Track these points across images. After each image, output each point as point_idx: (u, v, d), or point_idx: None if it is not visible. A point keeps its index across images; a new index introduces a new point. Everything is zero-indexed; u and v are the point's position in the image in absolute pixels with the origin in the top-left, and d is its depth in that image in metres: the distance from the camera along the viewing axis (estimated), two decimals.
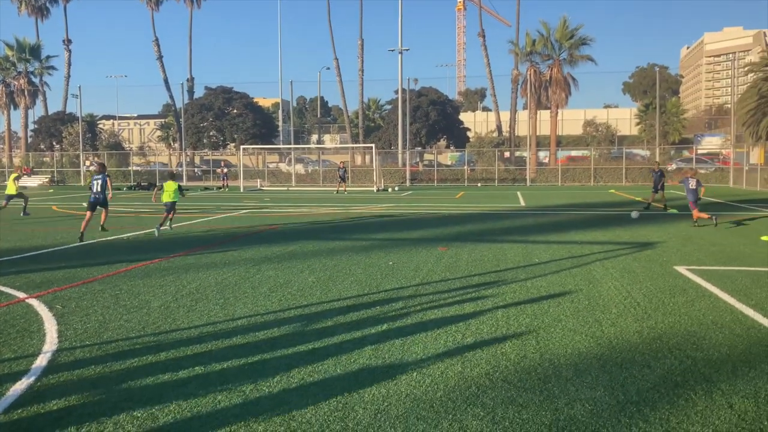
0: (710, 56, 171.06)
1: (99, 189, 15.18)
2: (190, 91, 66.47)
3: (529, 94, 50.04)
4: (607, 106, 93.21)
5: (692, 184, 16.25)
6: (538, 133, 52.97)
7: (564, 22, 48.61)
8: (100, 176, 15.41)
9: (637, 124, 63.97)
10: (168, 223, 15.95)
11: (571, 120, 71.36)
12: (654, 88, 57.81)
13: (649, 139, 54.34)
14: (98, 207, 15.24)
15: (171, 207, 15.75)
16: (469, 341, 5.98)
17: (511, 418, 4.24)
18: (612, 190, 35.63)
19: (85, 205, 17.48)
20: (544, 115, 59.29)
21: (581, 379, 4.96)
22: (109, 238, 14.35)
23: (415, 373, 5.11)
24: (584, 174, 46.04)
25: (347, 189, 37.04)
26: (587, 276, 9.24)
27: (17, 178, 21.34)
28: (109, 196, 15.46)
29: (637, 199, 27.68)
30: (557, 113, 51.35)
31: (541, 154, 55.35)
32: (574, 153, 56.97)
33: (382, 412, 4.36)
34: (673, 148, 51.94)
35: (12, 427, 4.14)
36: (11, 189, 20.93)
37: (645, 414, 4.30)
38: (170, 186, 16.03)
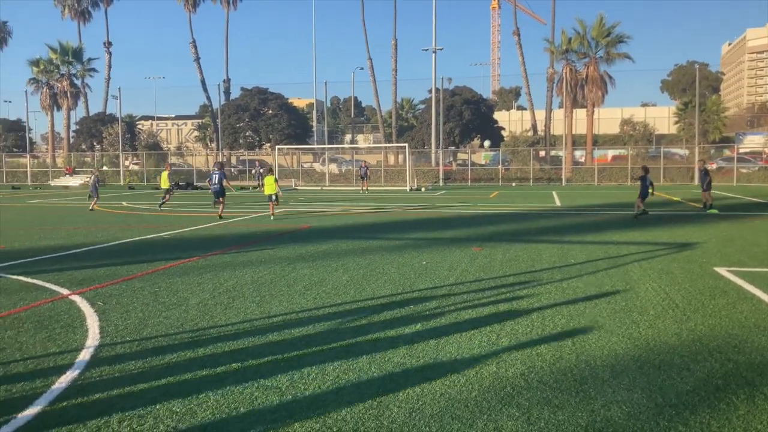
0: (753, 53, 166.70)
1: (216, 181, 19.25)
2: (227, 92, 67.36)
3: (564, 93, 49.45)
4: (644, 105, 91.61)
5: (648, 180, 18.30)
6: (573, 132, 52.32)
7: (601, 20, 47.92)
8: (218, 172, 19.49)
9: (676, 122, 62.68)
10: (272, 214, 19.15)
11: (608, 119, 70.23)
12: (693, 86, 56.59)
13: (689, 138, 53.17)
14: (217, 197, 19.48)
15: (272, 197, 19.07)
16: (504, 342, 5.96)
17: (547, 419, 4.21)
18: (649, 190, 34.95)
19: (125, 204, 18.06)
20: (580, 113, 58.47)
21: (618, 381, 4.90)
22: (147, 236, 14.64)
23: (449, 373, 5.11)
24: (621, 173, 45.33)
25: (368, 188, 37.44)
26: (624, 277, 9.11)
27: (169, 175, 24.19)
28: (228, 186, 19.67)
29: (675, 199, 27.15)
30: (593, 112, 50.60)
31: (577, 153, 54.64)
32: (611, 152, 56.12)
33: (417, 411, 4.38)
34: (714, 146, 50.77)
35: (58, 418, 4.26)
36: (165, 183, 23.46)
37: (684, 418, 4.23)
38: (269, 180, 19.30)
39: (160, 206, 23.01)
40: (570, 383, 4.88)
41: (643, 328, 6.43)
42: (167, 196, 23.34)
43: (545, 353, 5.61)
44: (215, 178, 19.38)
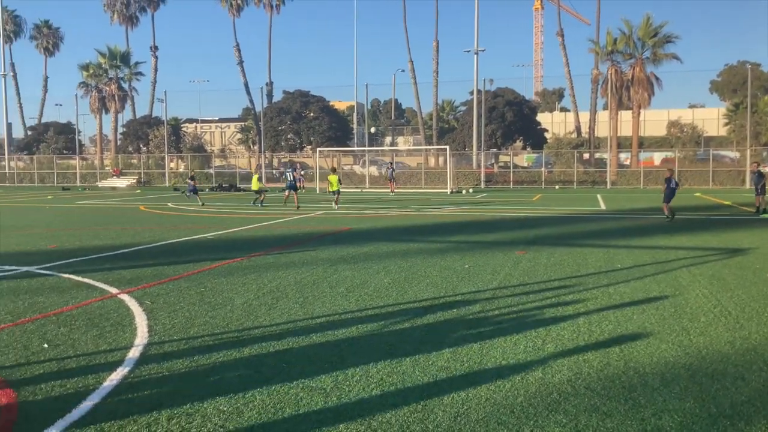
0: None
1: (292, 178, 24.57)
2: (269, 95, 68.21)
3: (609, 94, 48.56)
4: (692, 106, 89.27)
5: (673, 183, 18.49)
6: (618, 135, 51.34)
7: (647, 20, 46.95)
8: (290, 170, 25.76)
9: (726, 124, 61.00)
10: (335, 205, 23.59)
11: (654, 121, 68.75)
12: (745, 87, 54.94)
13: (739, 140, 51.61)
14: (292, 190, 24.22)
15: (336, 192, 23.97)
16: (550, 347, 5.87)
17: (595, 427, 4.13)
18: (698, 194, 34.13)
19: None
20: (626, 115, 57.43)
21: (669, 389, 4.78)
22: (193, 237, 14.91)
23: (494, 378, 5.06)
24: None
25: (395, 190, 37.72)
26: (673, 283, 8.89)
27: (259, 179, 27.21)
28: (301, 184, 24.46)
29: (725, 203, 26.40)
30: (639, 113, 49.60)
31: (622, 155, 53.63)
32: (657, 155, 54.93)
33: (462, 415, 4.34)
34: (766, 149, 49.21)
35: (110, 414, 4.36)
36: (255, 186, 26.36)
37: (739, 428, 4.10)
38: (333, 178, 23.99)
39: (260, 203, 25.55)
40: (618, 390, 4.77)
41: (694, 335, 6.26)
42: (261, 195, 25.90)
43: (592, 359, 5.51)
44: (289, 175, 25.02)
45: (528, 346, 5.89)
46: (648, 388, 4.81)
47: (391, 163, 39.45)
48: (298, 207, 23.58)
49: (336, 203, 24.03)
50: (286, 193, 24.83)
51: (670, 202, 18.48)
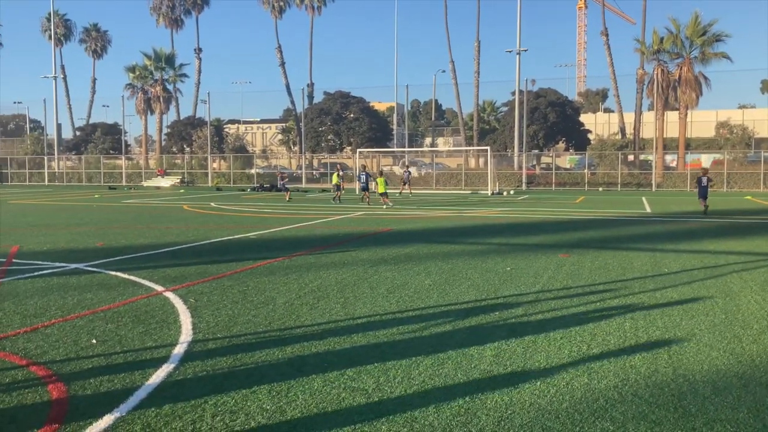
0: None
1: (364, 180, 28.66)
2: (310, 96, 68.78)
3: (655, 95, 47.50)
4: (742, 107, 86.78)
5: (704, 181, 20.27)
6: (664, 136, 50.19)
7: (696, 18, 45.77)
8: (364, 174, 29.33)
9: None
10: (385, 206, 25.54)
11: (702, 122, 67.04)
12: None
13: None
14: (365, 191, 28.52)
15: (384, 194, 26.15)
16: (595, 352, 5.75)
17: None
18: (749, 197, 33.13)
19: (213, 204, 18.77)
20: (672, 116, 56.08)
21: (721, 399, 4.63)
22: (235, 236, 15.10)
23: (538, 382, 4.98)
24: (716, 179, 43.06)
25: (412, 191, 38.14)
26: (723, 288, 8.63)
27: (339, 176, 31.08)
28: (372, 186, 28.22)
29: None
30: (686, 114, 48.41)
31: (668, 157, 52.41)
32: (704, 156, 53.51)
33: (506, 419, 4.28)
34: None
35: (156, 410, 4.43)
36: (335, 180, 30.89)
37: None
38: (381, 180, 26.50)
39: (333, 200, 29.70)
40: (667, 398, 4.64)
41: (747, 343, 6.05)
42: (339, 192, 30.21)
43: (639, 365, 5.37)
44: (363, 178, 28.97)
45: (573, 351, 5.78)
46: (699, 397, 4.67)
47: (407, 167, 40.63)
48: (368, 203, 27.77)
49: (386, 200, 26.22)
50: (365, 194, 28.71)
51: (706, 199, 21.08)
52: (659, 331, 6.44)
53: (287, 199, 30.85)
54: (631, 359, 5.55)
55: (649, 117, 59.48)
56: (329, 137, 62.81)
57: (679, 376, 5.14)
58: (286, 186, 32.69)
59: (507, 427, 4.16)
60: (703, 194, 21.37)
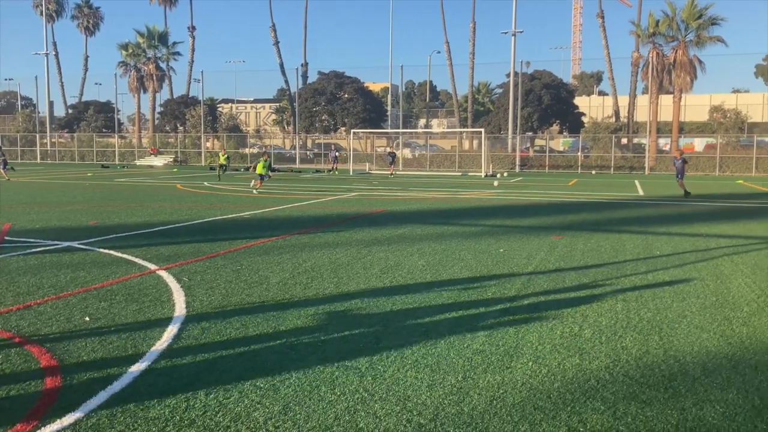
0: None
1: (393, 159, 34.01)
2: (304, 76, 68.23)
3: (650, 78, 47.38)
4: (735, 91, 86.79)
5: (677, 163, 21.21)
6: (658, 120, 50.18)
7: (692, 1, 45.55)
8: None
9: None
10: (254, 190, 22.95)
11: (695, 105, 67.00)
12: None
13: None
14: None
15: (261, 177, 23.33)
16: (587, 333, 5.79)
17: (634, 415, 4.07)
18: (740, 181, 33.27)
19: (206, 184, 18.72)
20: (666, 100, 55.99)
21: (710, 380, 4.68)
22: (229, 216, 15.07)
23: (530, 363, 5.01)
24: (708, 163, 43.23)
25: (394, 172, 39.36)
26: (714, 271, 8.69)
27: (265, 164, 27.90)
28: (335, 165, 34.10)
29: None
30: (680, 98, 48.34)
31: (661, 141, 52.44)
32: (697, 140, 53.62)
33: (498, 399, 4.31)
34: None
35: (149, 388, 4.44)
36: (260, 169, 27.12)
37: None
38: (261, 163, 23.18)
39: (253, 189, 24.59)
40: (658, 379, 4.69)
41: (737, 325, 6.11)
42: (260, 181, 25.53)
43: (631, 347, 5.42)
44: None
45: (565, 332, 5.83)
46: (689, 378, 4.72)
47: (392, 148, 42.00)
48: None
49: (255, 187, 23.42)
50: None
51: (682, 179, 21.61)
52: (650, 313, 6.49)
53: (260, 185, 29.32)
54: (623, 340, 5.60)
55: (643, 100, 59.47)
56: (323, 117, 62.51)
57: (669, 357, 5.19)
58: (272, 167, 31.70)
59: (499, 406, 4.20)
60: (678, 173, 21.94)
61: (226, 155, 33.46)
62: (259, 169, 23.40)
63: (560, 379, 4.67)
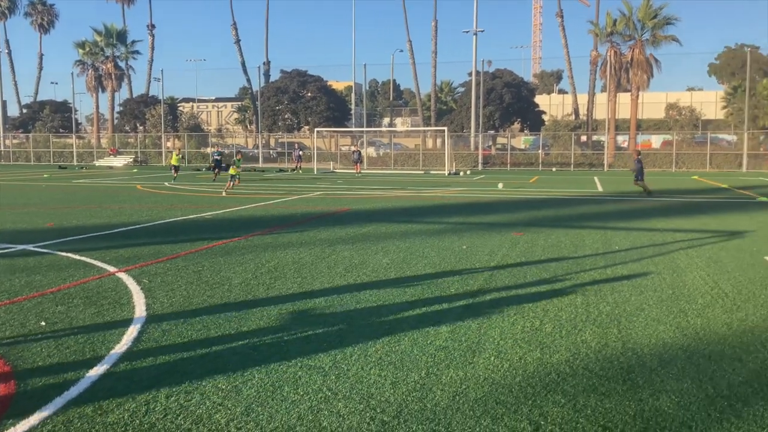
0: None
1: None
2: (267, 75, 67.69)
3: (608, 76, 48.29)
4: (690, 89, 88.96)
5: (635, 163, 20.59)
6: (616, 117, 51.19)
7: (647, 1, 46.56)
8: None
9: (724, 107, 60.86)
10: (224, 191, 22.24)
11: (652, 103, 68.55)
12: (743, 70, 54.75)
13: (737, 124, 51.53)
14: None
15: (233, 177, 22.68)
16: (548, 328, 5.88)
17: (594, 407, 4.14)
18: (695, 177, 34.14)
19: (167, 184, 18.43)
20: (624, 98, 57.14)
21: (667, 370, 4.79)
22: (190, 216, 14.87)
23: (493, 358, 5.07)
24: (665, 159, 44.23)
25: (361, 171, 39.64)
26: (671, 265, 8.90)
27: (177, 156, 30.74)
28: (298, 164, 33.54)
29: (722, 186, 26.41)
30: (638, 96, 49.40)
31: (620, 138, 53.50)
32: (655, 137, 54.84)
33: (461, 394, 4.35)
34: (763, 133, 49.13)
35: (108, 392, 4.36)
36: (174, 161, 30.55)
37: (737, 409, 4.11)
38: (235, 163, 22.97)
39: (172, 181, 27.87)
40: (616, 371, 4.79)
41: (692, 317, 6.27)
42: (176, 173, 29.17)
43: (590, 340, 5.52)
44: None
45: (526, 326, 5.90)
46: (646, 369, 4.82)
47: (356, 147, 42.39)
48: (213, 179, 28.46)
49: (226, 188, 22.37)
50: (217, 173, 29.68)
51: (641, 179, 21.00)
52: (609, 307, 6.62)
53: (213, 179, 29.38)
54: (582, 334, 5.70)
55: (601, 98, 60.55)
56: (286, 116, 62.14)
57: (627, 349, 5.30)
58: (219, 165, 31.14)
59: (462, 401, 4.24)
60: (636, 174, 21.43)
61: (180, 155, 32.35)
62: (233, 170, 22.82)
63: (522, 374, 4.73)
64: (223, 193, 21.61)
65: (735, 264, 8.94)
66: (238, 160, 23.70)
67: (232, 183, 22.49)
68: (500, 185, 24.15)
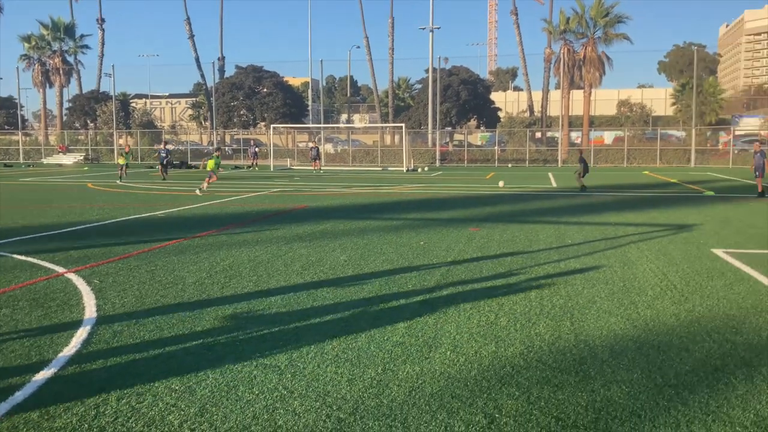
0: (750, 34, 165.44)
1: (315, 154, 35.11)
2: (221, 70, 66.66)
3: (562, 74, 49.14)
4: (641, 86, 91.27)
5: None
6: (570, 114, 52.15)
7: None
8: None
9: (673, 104, 62.56)
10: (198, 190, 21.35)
11: (605, 100, 70.00)
12: (691, 68, 56.43)
13: (685, 120, 53.05)
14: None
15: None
16: (503, 321, 5.95)
17: (547, 398, 4.21)
18: (646, 172, 35.00)
19: (119, 182, 18.02)
20: (577, 95, 58.24)
21: (617, 361, 4.90)
22: (143, 215, 14.56)
23: (449, 352, 5.10)
24: (617, 155, 45.27)
25: (322, 167, 39.56)
26: (622, 258, 9.11)
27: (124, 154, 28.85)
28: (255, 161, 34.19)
29: (671, 180, 27.16)
30: (591, 93, 50.38)
31: (573, 134, 54.49)
32: (607, 134, 56.01)
33: (417, 389, 4.37)
34: (710, 129, 50.71)
35: (56, 396, 4.23)
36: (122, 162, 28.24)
37: (684, 397, 4.24)
38: (212, 160, 21.76)
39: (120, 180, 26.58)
40: (569, 363, 4.88)
41: (642, 308, 6.43)
42: (123, 171, 27.77)
43: (544, 333, 5.61)
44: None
45: (482, 321, 5.96)
46: (597, 360, 4.93)
47: (314, 144, 42.28)
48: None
49: (201, 188, 21.15)
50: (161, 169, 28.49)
51: (583, 176, 21.54)
52: (562, 300, 6.74)
53: (163, 178, 28.53)
54: (536, 327, 5.79)
55: (555, 95, 61.53)
56: (242, 112, 61.34)
57: (580, 341, 5.40)
58: (170, 162, 30.33)
59: (418, 396, 4.25)
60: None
61: (128, 153, 30.22)
62: (210, 166, 21.63)
63: (477, 367, 4.78)
64: (198, 192, 20.62)
65: (683, 256, 9.20)
66: (217, 157, 22.28)
67: (209, 180, 21.44)
68: (501, 183, 24.21)
